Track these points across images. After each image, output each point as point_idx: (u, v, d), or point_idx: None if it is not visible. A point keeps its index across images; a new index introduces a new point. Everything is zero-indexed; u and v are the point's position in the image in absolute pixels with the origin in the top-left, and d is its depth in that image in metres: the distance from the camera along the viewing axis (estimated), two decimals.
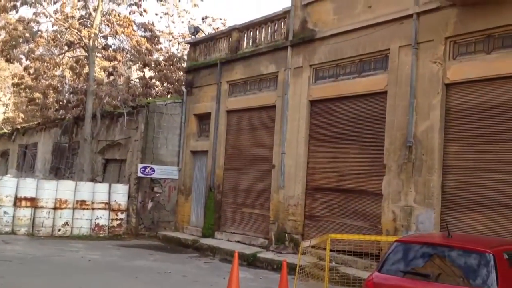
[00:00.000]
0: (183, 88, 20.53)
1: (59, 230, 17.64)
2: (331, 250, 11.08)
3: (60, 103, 25.55)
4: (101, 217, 18.34)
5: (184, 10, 30.07)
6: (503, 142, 10.22)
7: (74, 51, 24.43)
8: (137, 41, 23.06)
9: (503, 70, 10.24)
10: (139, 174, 18.98)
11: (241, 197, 17.07)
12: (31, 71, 24.09)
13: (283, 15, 15.98)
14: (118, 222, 18.72)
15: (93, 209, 18.31)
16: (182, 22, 30.14)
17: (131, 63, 24.38)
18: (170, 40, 29.47)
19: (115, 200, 18.69)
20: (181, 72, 23.49)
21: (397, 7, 12.30)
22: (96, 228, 18.25)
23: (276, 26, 16.39)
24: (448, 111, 11.23)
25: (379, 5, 12.81)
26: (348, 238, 11.34)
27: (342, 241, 11.75)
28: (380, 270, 6.89)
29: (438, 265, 6.55)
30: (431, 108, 11.35)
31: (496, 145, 10.33)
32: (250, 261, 14.20)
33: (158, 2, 23.01)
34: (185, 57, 23.77)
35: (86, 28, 22.07)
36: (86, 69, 23.18)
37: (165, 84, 24.42)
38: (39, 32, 23.26)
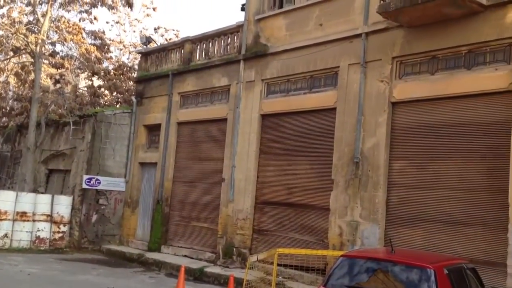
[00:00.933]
0: (133, 98, 20.24)
1: None
2: (278, 265, 11.13)
3: (3, 110, 24.64)
4: (42, 230, 17.71)
5: (136, 19, 29.79)
6: (443, 160, 10.57)
7: (20, 57, 23.66)
8: (86, 49, 22.57)
9: (445, 91, 10.62)
10: (84, 186, 18.48)
11: (189, 210, 16.89)
12: None
13: (236, 29, 16.07)
14: (60, 235, 18.12)
15: (34, 221, 17.66)
16: (134, 31, 29.81)
17: (79, 71, 23.83)
18: (121, 49, 29.07)
19: (58, 212, 18.10)
20: (132, 82, 23.15)
21: (347, 26, 12.60)
22: (37, 241, 17.59)
23: (229, 39, 16.44)
24: (393, 129, 11.53)
25: (330, 24, 13.08)
26: (295, 252, 11.42)
27: (289, 256, 11.82)
28: (325, 285, 6.95)
29: (381, 280, 6.68)
30: (378, 125, 11.64)
31: (437, 162, 10.67)
32: (197, 276, 14.02)
33: (109, 10, 22.61)
34: (136, 66, 23.46)
35: (33, 34, 21.43)
36: (32, 76, 22.47)
37: (114, 93, 23.98)
38: None
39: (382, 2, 10.88)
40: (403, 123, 11.38)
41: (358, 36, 12.25)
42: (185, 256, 16.16)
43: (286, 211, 13.74)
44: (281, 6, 14.83)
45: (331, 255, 11.20)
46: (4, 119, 25.10)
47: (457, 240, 10.09)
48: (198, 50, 17.66)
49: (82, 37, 22.89)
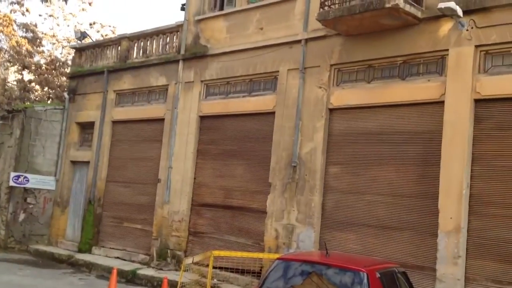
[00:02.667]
0: (66, 94, 19.51)
1: None
2: (214, 267, 11.08)
3: None
4: None
5: (71, 13, 28.70)
6: (377, 166, 10.89)
7: None
8: (17, 42, 21.59)
9: (380, 99, 10.94)
10: (11, 183, 17.62)
11: (123, 211, 16.49)
12: None
13: (176, 29, 15.85)
14: None
15: None
16: (68, 25, 28.73)
17: (8, 64, 22.72)
18: (54, 43, 27.92)
19: None
20: (64, 78, 22.33)
21: (287, 32, 12.73)
22: None
23: (168, 38, 16.20)
24: (330, 135, 11.76)
25: (270, 28, 13.17)
26: (231, 255, 11.41)
27: (225, 258, 11.80)
28: (261, 287, 6.99)
29: (315, 283, 6.81)
30: (315, 130, 11.83)
31: (371, 168, 10.98)
32: (129, 278, 13.72)
33: (42, 2, 21.75)
34: (70, 62, 22.64)
35: None
36: None
37: (46, 88, 23.05)
38: None
39: (321, 10, 11.06)
40: (340, 129, 11.63)
41: (297, 42, 12.40)
42: (117, 258, 15.77)
43: (222, 214, 13.70)
44: (222, 8, 14.78)
45: (267, 257, 11.26)
46: None
47: (389, 245, 10.42)
48: (135, 48, 17.28)
49: (13, 29, 21.85)
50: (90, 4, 28.59)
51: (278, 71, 12.84)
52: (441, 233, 9.53)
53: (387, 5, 9.86)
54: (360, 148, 11.22)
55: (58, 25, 33.29)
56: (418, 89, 10.37)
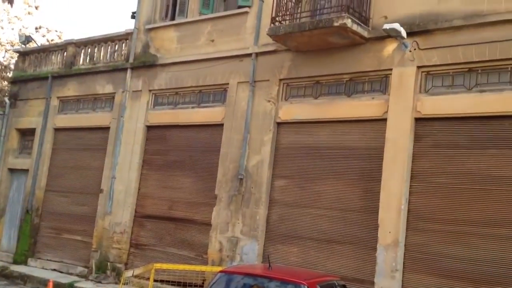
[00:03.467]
0: (6, 99, 18.83)
1: None
2: (155, 280, 10.88)
3: None
4: None
5: (16, 17, 27.86)
6: (321, 180, 11.06)
7: None
8: None
9: (327, 115, 11.16)
10: None
11: (62, 221, 15.97)
12: None
13: (125, 36, 15.66)
14: None
15: None
16: (13, 29, 27.86)
17: None
18: None
19: None
20: (6, 82, 21.56)
21: (238, 45, 12.83)
22: None
23: (116, 46, 15.97)
24: (277, 148, 11.87)
25: (221, 41, 13.24)
26: (173, 268, 11.25)
27: (167, 271, 11.61)
28: None
29: None
30: (263, 144, 11.92)
31: (315, 182, 11.14)
32: None
33: None
34: (12, 66, 21.90)
35: None
36: None
37: None
38: None
39: (272, 25, 11.23)
40: (287, 143, 11.76)
41: (248, 55, 12.52)
42: (54, 270, 15.25)
43: (166, 225, 13.51)
44: (173, 18, 14.74)
45: (210, 270, 11.18)
46: None
47: (331, 258, 10.57)
48: (82, 54, 16.93)
49: None
50: (36, 8, 27.89)
51: (228, 84, 12.89)
52: (380, 247, 9.77)
53: (336, 24, 10.13)
54: (306, 162, 11.38)
55: (2, 28, 32.14)
56: (362, 106, 10.66)
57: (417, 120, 9.90)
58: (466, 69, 9.48)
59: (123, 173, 14.52)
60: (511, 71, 9.03)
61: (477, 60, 9.27)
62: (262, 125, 12.02)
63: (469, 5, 9.48)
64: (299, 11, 11.31)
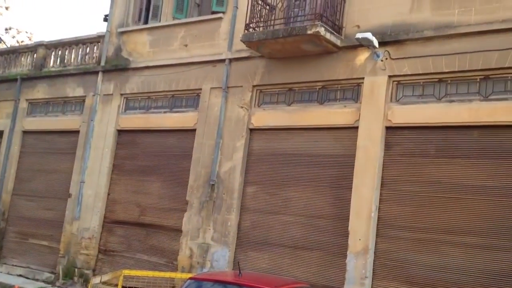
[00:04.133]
0: None
1: None
2: (123, 287, 10.70)
3: None
4: None
5: None
6: (293, 187, 11.09)
7: None
8: None
9: (299, 122, 11.21)
10: None
11: (29, 226, 15.64)
12: None
13: (97, 39, 15.47)
14: None
15: None
16: None
17: None
18: None
19: None
20: None
21: (212, 50, 12.79)
22: None
23: (88, 49, 15.77)
24: (250, 154, 11.86)
25: (195, 46, 13.18)
26: (142, 274, 11.09)
27: (136, 278, 11.43)
28: None
29: None
30: (235, 150, 11.89)
31: (287, 189, 11.16)
32: None
33: None
34: None
35: None
36: None
37: None
38: None
39: (246, 31, 11.24)
40: (259, 149, 11.76)
41: (222, 61, 12.49)
42: (20, 275, 14.91)
43: (136, 231, 13.33)
44: (146, 22, 14.63)
45: (179, 277, 11.05)
46: None
47: (301, 265, 10.58)
48: (52, 57, 16.66)
49: None
50: (7, 8, 27.40)
51: (201, 89, 12.83)
52: (350, 254, 9.82)
53: (309, 32, 10.19)
54: (278, 168, 11.39)
55: None
56: (335, 114, 10.73)
57: (388, 128, 10.02)
58: (436, 79, 9.65)
59: (93, 178, 14.30)
60: (480, 82, 9.21)
61: (447, 70, 9.43)
62: (235, 131, 11.99)
63: (440, 17, 9.65)
64: (273, 18, 11.34)
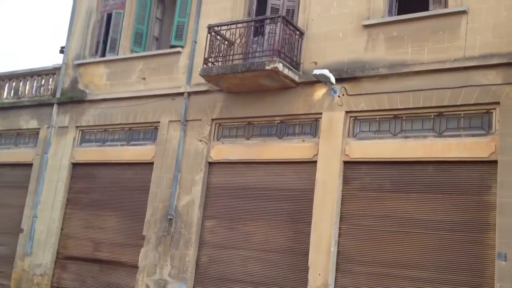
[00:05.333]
0: None
1: None
2: None
3: None
4: None
5: None
6: (252, 222, 11.03)
7: None
8: None
9: (258, 156, 11.23)
10: None
11: None
12: None
13: (52, 71, 15.21)
14: None
15: None
16: None
17: None
18: None
19: None
20: None
21: (170, 84, 12.75)
22: None
23: (43, 81, 15.47)
24: (208, 188, 11.76)
25: (153, 79, 13.11)
26: None
27: None
28: None
29: None
30: (194, 183, 11.78)
31: (246, 223, 11.09)
32: None
33: None
34: None
35: None
36: None
37: None
38: None
39: (205, 66, 11.28)
40: (218, 183, 11.68)
41: (180, 94, 12.45)
42: None
43: (90, 268, 12.94)
44: (103, 55, 14.48)
45: None
46: None
47: None
48: (6, 88, 16.23)
49: None
50: None
51: (159, 122, 12.71)
52: None
53: (267, 67, 10.32)
54: (237, 202, 11.33)
55: None
56: (293, 148, 10.81)
57: (346, 163, 10.15)
58: (392, 116, 9.88)
59: (45, 212, 13.87)
60: (434, 118, 9.49)
61: (401, 107, 9.69)
62: (193, 165, 11.90)
63: (394, 55, 9.95)
64: (231, 53, 11.44)
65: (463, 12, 9.36)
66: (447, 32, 9.49)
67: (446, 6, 9.75)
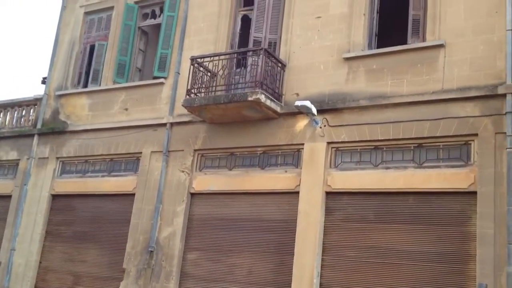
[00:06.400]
0: None
1: None
2: None
3: None
4: None
5: None
6: (235, 253, 10.92)
7: None
8: None
9: (241, 187, 11.20)
10: None
11: None
12: None
13: (34, 102, 15.14)
14: None
15: None
16: None
17: None
18: None
19: None
20: None
21: (153, 114, 12.75)
22: None
23: (24, 111, 15.37)
24: (190, 220, 11.67)
25: (135, 110, 13.11)
26: None
27: None
28: None
29: None
30: (176, 215, 11.68)
31: (229, 255, 10.98)
32: None
33: None
34: None
35: None
36: None
37: None
38: None
39: (187, 97, 11.33)
40: (200, 214, 11.60)
41: (163, 125, 12.44)
42: None
43: None
44: (86, 86, 14.47)
45: None
46: None
47: None
48: None
49: None
50: None
51: (141, 153, 12.66)
52: None
53: (250, 99, 10.40)
54: (219, 234, 11.23)
55: None
56: (276, 179, 10.82)
57: (328, 194, 10.17)
58: (373, 147, 9.99)
59: (24, 245, 13.59)
60: (413, 150, 9.59)
61: (382, 138, 9.80)
62: (175, 196, 11.82)
63: (374, 87, 10.11)
64: (214, 84, 11.52)
65: (441, 46, 9.59)
66: (425, 65, 9.69)
67: (424, 39, 9.97)
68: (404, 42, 10.26)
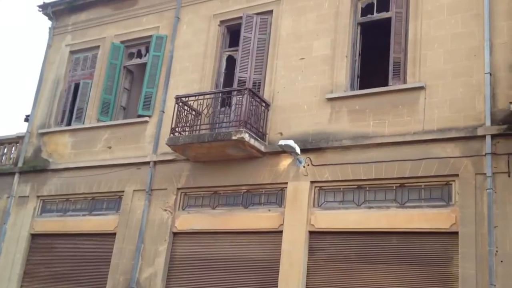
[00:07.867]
0: None
1: None
2: None
3: None
4: None
5: None
6: None
7: None
8: None
9: (224, 226, 11.12)
10: None
11: None
12: None
13: (16, 140, 15.02)
14: None
15: None
16: None
17: None
18: None
19: None
20: None
21: (136, 153, 12.72)
22: None
23: (6, 149, 15.22)
24: (172, 260, 11.49)
25: (119, 148, 13.06)
26: None
27: None
28: None
29: None
30: (157, 254, 11.50)
31: None
32: None
33: None
34: None
35: None
36: None
37: None
38: None
39: (171, 135, 11.35)
40: (183, 254, 11.44)
41: (146, 163, 12.40)
42: None
43: None
44: (69, 124, 14.42)
45: None
46: None
47: None
48: None
49: None
50: None
51: (123, 191, 12.56)
52: None
53: (234, 138, 10.45)
54: (202, 274, 11.07)
55: None
56: (259, 218, 10.77)
57: (311, 233, 10.14)
58: (355, 186, 10.04)
59: (1, 286, 13.21)
60: (396, 189, 9.67)
61: (364, 178, 9.87)
62: (157, 235, 11.67)
63: (356, 127, 10.25)
64: (198, 123, 11.57)
65: (421, 88, 9.80)
66: (406, 107, 9.88)
67: (405, 81, 10.19)
68: (386, 84, 10.46)
